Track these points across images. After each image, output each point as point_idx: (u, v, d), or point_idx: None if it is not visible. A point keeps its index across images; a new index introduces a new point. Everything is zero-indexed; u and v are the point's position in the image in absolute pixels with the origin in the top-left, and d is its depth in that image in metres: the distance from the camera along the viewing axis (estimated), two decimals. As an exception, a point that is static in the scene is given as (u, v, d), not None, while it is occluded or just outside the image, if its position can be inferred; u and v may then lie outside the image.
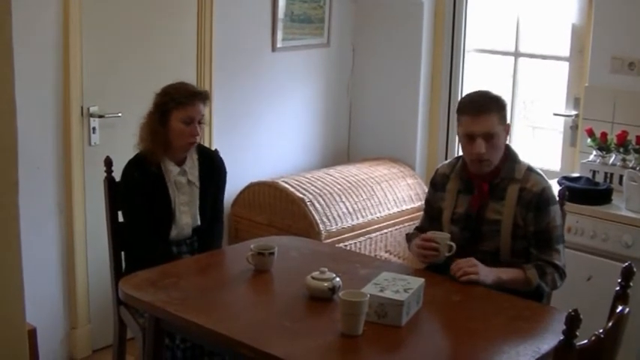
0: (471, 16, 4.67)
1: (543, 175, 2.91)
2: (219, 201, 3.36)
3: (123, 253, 3.26)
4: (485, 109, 2.81)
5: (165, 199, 3.16)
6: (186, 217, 3.21)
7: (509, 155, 2.90)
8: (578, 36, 4.19)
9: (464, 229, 2.90)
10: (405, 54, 4.77)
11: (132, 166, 3.16)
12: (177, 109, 3.10)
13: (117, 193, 3.21)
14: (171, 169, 3.17)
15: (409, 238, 3.07)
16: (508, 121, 2.90)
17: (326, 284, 2.55)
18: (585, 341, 1.99)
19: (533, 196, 2.81)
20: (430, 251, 2.82)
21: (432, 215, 3.05)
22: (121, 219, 3.25)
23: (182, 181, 3.20)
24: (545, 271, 2.77)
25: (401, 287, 2.45)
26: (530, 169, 2.89)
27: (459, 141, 2.93)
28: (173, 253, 3.18)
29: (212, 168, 3.30)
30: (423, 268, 2.95)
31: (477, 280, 2.69)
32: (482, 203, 2.87)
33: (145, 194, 3.12)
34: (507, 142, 2.93)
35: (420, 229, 3.07)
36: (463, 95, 3.11)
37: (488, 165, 2.84)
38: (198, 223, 3.25)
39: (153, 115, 3.14)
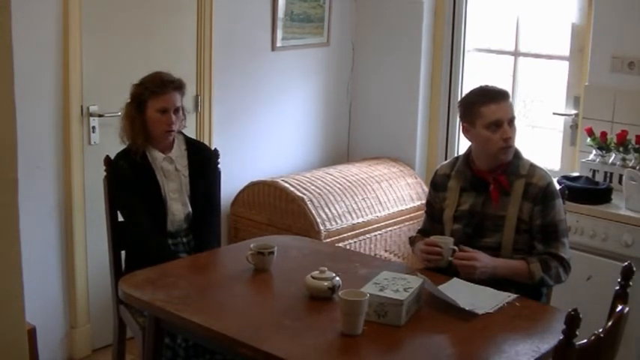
0: (471, 16, 4.67)
1: (546, 170, 2.93)
2: (213, 193, 3.38)
3: (123, 252, 3.26)
4: (506, 95, 2.89)
5: (155, 186, 3.19)
6: (177, 203, 3.24)
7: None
8: (578, 35, 4.19)
9: (467, 226, 2.91)
10: (405, 53, 4.77)
11: (118, 157, 3.22)
12: (152, 98, 3.16)
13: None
14: (157, 156, 3.23)
15: (412, 241, 3.09)
16: None
17: (326, 283, 2.55)
18: (585, 341, 1.99)
19: (539, 190, 2.83)
20: (434, 255, 2.83)
21: (433, 216, 3.06)
22: (120, 218, 3.26)
23: (169, 169, 3.24)
24: (549, 265, 2.78)
25: (401, 287, 2.45)
26: (533, 165, 2.91)
27: (477, 136, 2.86)
28: (170, 247, 3.19)
29: (201, 159, 3.34)
30: (423, 268, 2.95)
31: (476, 265, 2.71)
32: (492, 197, 2.88)
33: (135, 183, 3.16)
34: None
35: (422, 232, 3.08)
36: (465, 94, 3.08)
37: (512, 151, 2.88)
38: (189, 209, 3.26)
39: (130, 106, 3.21)
